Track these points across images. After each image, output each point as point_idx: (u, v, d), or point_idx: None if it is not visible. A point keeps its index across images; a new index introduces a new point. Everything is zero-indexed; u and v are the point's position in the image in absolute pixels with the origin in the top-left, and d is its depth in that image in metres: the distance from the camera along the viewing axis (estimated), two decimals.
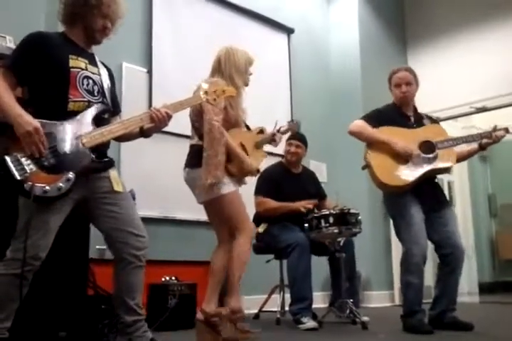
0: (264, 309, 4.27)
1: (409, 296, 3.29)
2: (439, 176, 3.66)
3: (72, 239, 2.87)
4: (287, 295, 4.06)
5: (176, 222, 4.57)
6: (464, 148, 3.57)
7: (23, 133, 2.03)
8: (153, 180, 4.43)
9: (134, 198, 4.09)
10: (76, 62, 2.27)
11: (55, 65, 2.21)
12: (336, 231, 3.61)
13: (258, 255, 4.05)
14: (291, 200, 3.99)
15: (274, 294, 4.29)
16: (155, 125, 2.35)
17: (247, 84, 3.12)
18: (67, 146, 2.13)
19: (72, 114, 2.19)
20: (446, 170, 3.61)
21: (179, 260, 4.25)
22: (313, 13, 6.62)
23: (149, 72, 4.67)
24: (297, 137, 4.26)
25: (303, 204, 3.95)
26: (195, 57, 4.93)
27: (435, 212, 3.38)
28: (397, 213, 3.39)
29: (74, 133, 2.16)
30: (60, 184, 2.07)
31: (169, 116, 2.35)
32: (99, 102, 2.31)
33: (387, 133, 3.39)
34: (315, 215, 3.73)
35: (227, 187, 2.87)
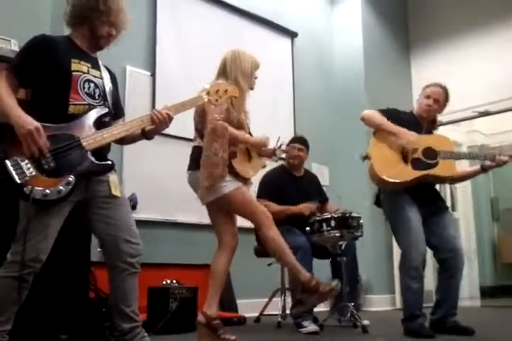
0: (265, 312, 4.27)
1: (409, 300, 3.29)
2: None
3: (73, 241, 2.89)
4: (288, 299, 4.06)
5: (177, 225, 4.57)
6: (466, 168, 3.59)
7: (23, 133, 2.03)
8: (155, 184, 4.44)
9: (136, 201, 4.12)
10: (78, 66, 2.28)
11: (57, 69, 2.23)
12: (337, 234, 3.61)
13: (259, 258, 4.04)
14: (294, 203, 3.99)
15: (275, 297, 4.29)
16: (156, 126, 2.35)
17: (252, 88, 3.12)
18: (67, 149, 2.13)
19: (72, 117, 2.20)
20: (444, 181, 3.62)
21: (180, 263, 4.26)
22: (317, 17, 6.63)
23: (153, 75, 4.68)
24: (299, 140, 4.27)
25: (305, 207, 3.95)
26: (199, 60, 4.96)
27: (434, 217, 3.38)
28: (394, 215, 3.39)
29: (74, 136, 2.17)
30: (60, 187, 2.08)
31: (170, 118, 2.35)
32: (100, 105, 2.32)
33: None
34: (317, 219, 3.73)
35: (228, 187, 2.87)
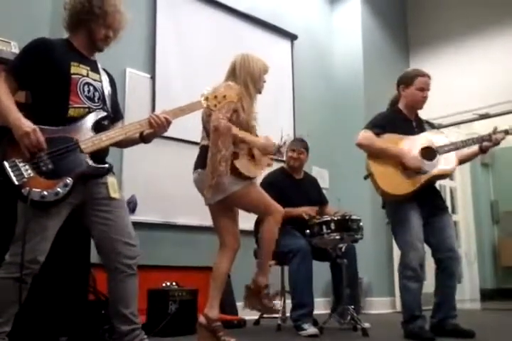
0: (265, 315, 4.26)
1: (407, 301, 3.29)
2: (441, 182, 3.66)
3: (73, 244, 2.89)
4: (288, 301, 4.05)
5: (177, 227, 4.56)
6: (464, 151, 3.56)
7: (21, 135, 2.04)
8: (155, 186, 4.43)
9: (135, 204, 4.12)
10: (77, 69, 2.29)
11: (57, 71, 2.23)
12: (337, 237, 3.61)
13: None
14: (293, 206, 3.98)
15: (275, 300, 4.27)
16: (154, 131, 2.36)
17: (260, 92, 3.16)
18: (65, 152, 2.14)
19: (72, 120, 2.21)
20: (447, 175, 3.62)
21: (180, 265, 4.25)
22: (316, 19, 6.63)
23: (153, 77, 4.68)
24: (299, 143, 4.27)
25: (305, 211, 3.95)
26: (199, 62, 4.96)
27: (434, 217, 3.38)
28: (396, 218, 3.39)
29: (73, 138, 2.17)
30: (58, 189, 2.08)
31: (168, 122, 2.36)
32: (100, 109, 2.32)
33: (390, 142, 3.38)
34: (317, 221, 3.73)
35: (238, 185, 2.89)
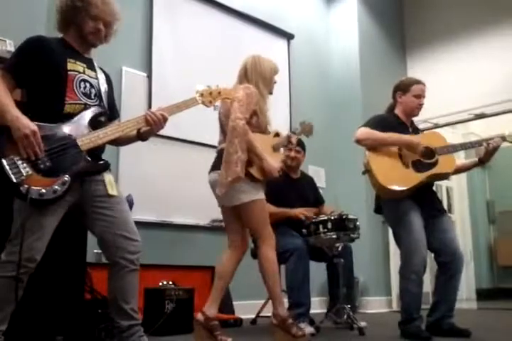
0: (261, 314, 4.26)
1: (408, 304, 3.27)
2: (437, 182, 3.66)
3: (69, 243, 2.88)
4: (285, 301, 4.04)
5: (173, 226, 4.56)
6: (463, 161, 3.58)
7: (20, 136, 2.03)
8: (152, 185, 4.43)
9: (132, 203, 4.11)
10: (74, 66, 2.29)
11: (53, 68, 2.23)
12: (334, 236, 3.61)
13: (256, 260, 4.02)
14: (290, 205, 3.98)
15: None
16: (151, 128, 2.36)
17: (271, 93, 3.18)
18: (62, 149, 2.13)
19: (68, 117, 2.21)
20: (446, 176, 3.62)
21: (177, 264, 4.24)
22: (313, 19, 6.64)
23: (149, 76, 4.67)
24: (296, 142, 4.25)
25: (302, 212, 3.94)
26: (195, 61, 4.96)
27: (434, 219, 3.37)
28: (396, 220, 3.36)
29: (70, 135, 2.17)
30: (56, 187, 2.08)
31: (165, 119, 2.35)
32: (96, 105, 2.32)
33: None
34: (313, 221, 3.73)
35: (249, 195, 2.88)
